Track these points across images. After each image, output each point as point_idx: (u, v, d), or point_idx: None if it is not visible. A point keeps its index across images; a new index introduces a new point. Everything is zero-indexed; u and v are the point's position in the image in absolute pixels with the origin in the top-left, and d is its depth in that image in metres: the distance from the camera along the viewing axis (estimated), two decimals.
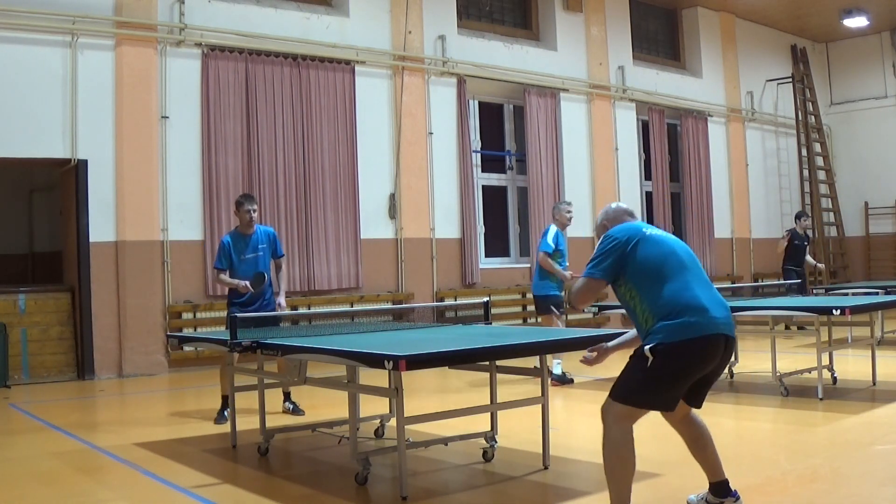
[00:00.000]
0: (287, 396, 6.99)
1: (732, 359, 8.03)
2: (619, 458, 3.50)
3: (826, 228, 17.69)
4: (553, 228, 8.53)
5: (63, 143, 9.39)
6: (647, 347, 3.46)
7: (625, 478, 3.51)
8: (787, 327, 11.04)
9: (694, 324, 3.45)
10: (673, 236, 3.82)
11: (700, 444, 3.73)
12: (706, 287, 3.62)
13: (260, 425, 5.54)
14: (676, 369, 3.46)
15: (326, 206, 11.03)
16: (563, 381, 8.06)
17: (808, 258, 12.64)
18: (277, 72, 10.76)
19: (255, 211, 6.83)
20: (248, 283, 6.64)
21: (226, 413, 6.42)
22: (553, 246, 8.35)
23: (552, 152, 13.42)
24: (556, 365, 8.09)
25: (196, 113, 10.21)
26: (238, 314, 5.27)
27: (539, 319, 9.42)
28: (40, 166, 10.85)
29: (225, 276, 6.77)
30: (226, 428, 6.11)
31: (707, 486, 3.79)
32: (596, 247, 3.79)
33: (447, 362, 4.34)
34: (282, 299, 7.02)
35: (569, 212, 8.68)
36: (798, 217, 12.89)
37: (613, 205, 4.11)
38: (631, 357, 3.58)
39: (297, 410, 6.89)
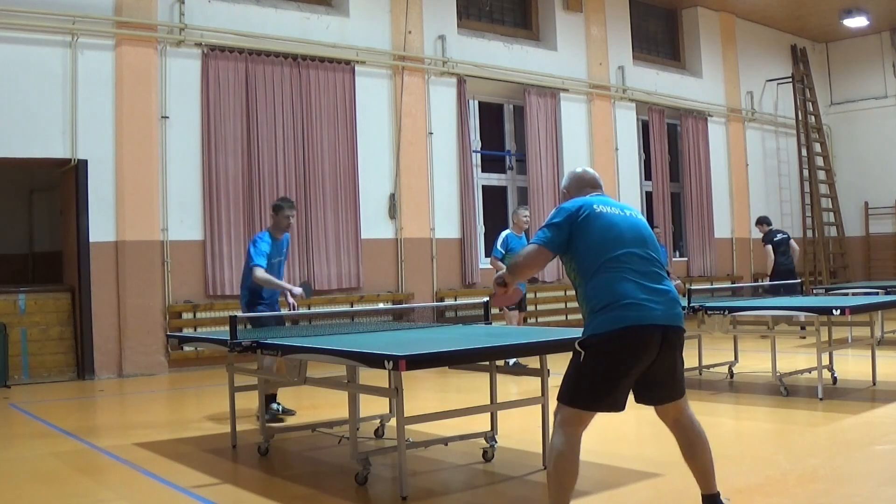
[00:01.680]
0: (273, 398, 6.88)
1: (732, 358, 8.06)
2: (556, 468, 3.30)
3: (826, 228, 17.69)
4: (504, 233, 9.09)
5: (63, 143, 9.39)
6: (577, 343, 3.34)
7: (562, 490, 3.30)
8: (802, 328, 10.99)
9: (619, 316, 3.27)
10: (629, 215, 3.59)
11: (692, 451, 3.52)
12: (647, 276, 3.40)
13: (260, 425, 5.54)
14: (604, 364, 3.30)
15: (326, 205, 11.03)
16: (515, 369, 7.96)
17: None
18: (277, 72, 10.76)
19: (293, 217, 6.82)
20: (302, 291, 6.60)
21: (274, 405, 6.44)
22: (503, 251, 8.94)
23: (552, 152, 13.43)
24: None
25: (196, 113, 10.21)
26: (238, 314, 5.27)
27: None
28: (40, 166, 10.84)
29: (272, 278, 6.62)
30: (226, 428, 6.11)
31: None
32: (548, 215, 3.63)
33: (447, 362, 4.35)
34: (296, 290, 6.92)
35: (526, 216, 9.23)
36: (762, 221, 12.41)
37: (579, 169, 3.92)
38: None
39: (286, 411, 6.79)
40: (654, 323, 3.29)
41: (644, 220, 3.65)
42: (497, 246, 9.05)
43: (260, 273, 6.56)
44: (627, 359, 3.29)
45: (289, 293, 6.62)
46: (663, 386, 3.43)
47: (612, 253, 3.39)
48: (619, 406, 3.35)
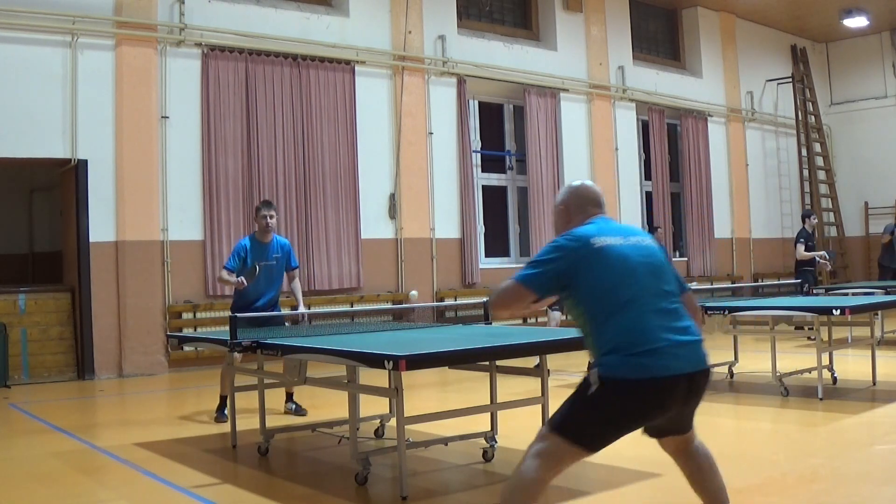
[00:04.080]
0: (289, 397, 6.97)
1: (732, 358, 8.05)
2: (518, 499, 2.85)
3: (826, 228, 17.69)
4: None
5: (63, 143, 9.39)
6: (593, 371, 2.88)
7: None
8: (807, 328, 11.00)
9: (643, 364, 2.83)
10: (639, 242, 3.12)
11: (698, 478, 3.16)
12: (667, 316, 2.97)
13: (260, 425, 5.54)
14: (625, 411, 2.87)
15: (326, 206, 11.03)
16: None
17: (818, 258, 12.19)
18: (277, 72, 10.76)
19: (272, 217, 6.76)
20: (242, 279, 6.55)
21: (226, 411, 6.41)
22: None
23: (552, 152, 13.43)
24: None
25: (196, 113, 10.21)
26: (238, 314, 5.27)
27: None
28: (40, 166, 10.85)
29: (226, 274, 6.65)
30: (226, 428, 6.11)
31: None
32: (540, 249, 3.18)
33: (447, 362, 4.35)
34: (302, 308, 6.96)
35: None
36: (807, 216, 12.53)
37: (578, 183, 3.40)
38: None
39: (299, 410, 6.88)
40: (682, 373, 2.88)
41: (653, 244, 3.18)
42: None
43: (219, 273, 6.75)
44: (650, 412, 2.90)
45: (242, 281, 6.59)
46: (676, 424, 3.07)
47: (625, 292, 2.95)
48: (598, 448, 2.96)
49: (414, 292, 8.84)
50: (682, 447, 3.14)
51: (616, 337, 2.89)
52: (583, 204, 3.28)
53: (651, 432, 3.09)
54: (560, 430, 2.86)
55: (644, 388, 2.82)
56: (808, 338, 10.98)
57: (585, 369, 3.15)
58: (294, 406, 6.91)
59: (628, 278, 2.98)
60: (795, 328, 10.77)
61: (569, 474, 4.83)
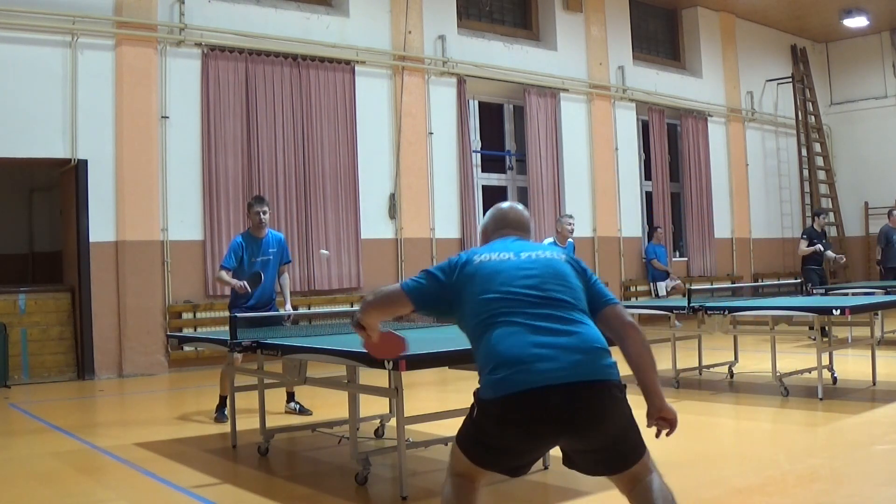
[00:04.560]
0: (290, 397, 6.97)
1: (732, 359, 8.05)
2: None
3: (826, 228, 17.67)
4: (547, 241, 9.10)
5: (63, 143, 9.39)
6: (474, 391, 2.69)
7: None
8: (810, 328, 11.00)
9: (499, 380, 2.54)
10: (528, 254, 2.83)
11: None
12: (540, 319, 2.62)
13: (260, 425, 5.54)
14: (486, 434, 2.61)
15: (327, 205, 11.03)
16: None
17: (829, 253, 11.97)
18: (277, 72, 10.76)
19: (265, 213, 6.75)
20: (245, 283, 6.56)
21: (225, 411, 6.40)
22: None
23: (552, 152, 13.43)
24: None
25: (196, 113, 10.21)
26: (238, 314, 5.27)
27: None
28: (40, 166, 10.85)
29: (225, 275, 6.65)
30: (226, 428, 6.11)
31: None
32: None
33: (447, 362, 4.34)
34: (289, 306, 6.97)
35: (570, 223, 9.50)
36: (816, 215, 12.52)
37: (505, 206, 3.18)
38: None
39: (303, 410, 6.86)
40: (549, 384, 2.48)
41: (557, 257, 2.85)
42: None
43: (218, 273, 6.86)
44: (516, 431, 2.54)
45: (244, 286, 6.60)
46: (602, 458, 2.64)
47: (494, 307, 2.68)
48: (515, 472, 2.73)
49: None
50: (632, 487, 2.65)
51: (483, 357, 2.66)
52: (500, 226, 3.08)
53: (570, 463, 2.71)
54: (456, 440, 2.74)
55: (501, 405, 2.52)
56: (810, 338, 10.99)
57: None
58: (297, 406, 6.89)
59: (500, 286, 2.71)
60: (810, 328, 10.73)
61: (568, 474, 4.83)
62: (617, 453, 2.60)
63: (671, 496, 2.61)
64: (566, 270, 2.79)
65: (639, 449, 2.62)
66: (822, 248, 11.71)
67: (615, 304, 2.79)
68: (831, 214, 17.80)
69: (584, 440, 2.57)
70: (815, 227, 12.04)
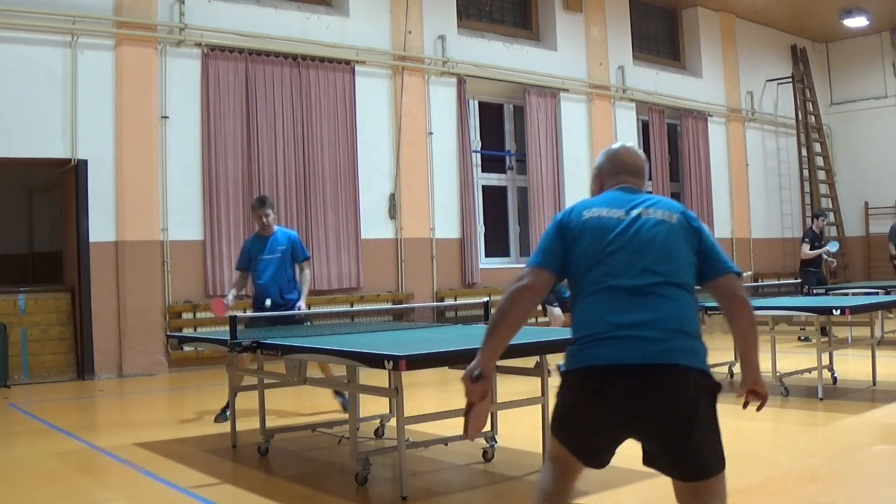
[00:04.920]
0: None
1: (732, 359, 8.04)
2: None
3: (826, 228, 17.68)
4: None
5: (63, 143, 9.39)
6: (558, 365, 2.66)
7: None
8: (802, 328, 11.01)
9: (578, 352, 2.53)
10: (639, 212, 2.68)
11: None
12: (625, 299, 2.52)
13: (260, 425, 5.54)
14: (565, 407, 2.58)
15: (326, 205, 11.03)
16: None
17: (829, 248, 11.90)
18: (277, 72, 10.76)
19: (267, 215, 6.84)
20: (229, 299, 6.80)
21: (227, 413, 6.40)
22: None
23: (552, 152, 13.42)
24: None
25: (196, 113, 10.21)
26: (238, 314, 5.27)
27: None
28: (40, 166, 10.84)
29: (232, 294, 6.94)
30: (226, 428, 6.11)
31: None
32: None
33: (447, 362, 4.34)
34: (302, 303, 6.96)
35: None
36: (816, 216, 12.46)
37: (615, 146, 3.09)
38: None
39: (345, 405, 6.67)
40: (623, 363, 2.42)
41: (669, 218, 2.67)
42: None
43: (235, 275, 7.17)
44: (589, 405, 2.49)
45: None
46: (669, 454, 2.49)
47: (594, 272, 2.58)
48: (592, 462, 2.61)
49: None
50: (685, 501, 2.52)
51: (575, 325, 2.61)
52: (615, 171, 2.95)
53: (647, 460, 2.57)
54: (551, 427, 2.66)
55: (579, 378, 2.50)
56: (799, 338, 11.01)
57: None
58: (342, 399, 6.75)
59: (596, 257, 2.58)
60: (802, 328, 10.74)
61: None
62: (692, 456, 2.45)
63: None
64: (673, 238, 2.62)
65: (717, 461, 2.50)
66: (830, 251, 11.75)
67: (730, 275, 2.65)
68: (831, 215, 17.80)
69: (655, 427, 2.44)
70: (815, 228, 12.04)
